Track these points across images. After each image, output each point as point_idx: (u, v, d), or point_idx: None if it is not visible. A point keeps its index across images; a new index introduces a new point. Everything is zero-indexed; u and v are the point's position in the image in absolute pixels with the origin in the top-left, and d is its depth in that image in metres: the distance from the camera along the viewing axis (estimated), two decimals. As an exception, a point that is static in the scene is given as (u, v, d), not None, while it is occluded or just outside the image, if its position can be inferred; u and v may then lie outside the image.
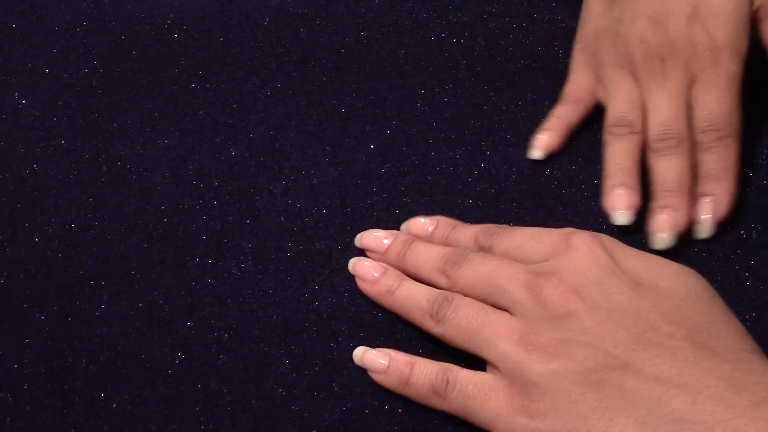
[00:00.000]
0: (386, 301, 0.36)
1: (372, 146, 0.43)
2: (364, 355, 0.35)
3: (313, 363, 0.35)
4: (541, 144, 0.42)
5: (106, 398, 0.35)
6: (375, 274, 0.37)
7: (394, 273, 0.36)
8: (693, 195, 0.38)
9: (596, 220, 0.40)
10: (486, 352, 0.32)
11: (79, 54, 0.49)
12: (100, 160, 0.43)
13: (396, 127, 0.44)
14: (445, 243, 0.38)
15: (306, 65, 0.48)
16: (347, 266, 0.38)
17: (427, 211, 0.40)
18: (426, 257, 0.36)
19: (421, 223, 0.39)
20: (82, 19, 0.51)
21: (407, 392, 0.33)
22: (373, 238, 0.38)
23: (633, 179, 0.39)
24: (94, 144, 0.44)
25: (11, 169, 0.43)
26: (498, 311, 0.33)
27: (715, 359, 0.28)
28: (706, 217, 0.38)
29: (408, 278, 0.36)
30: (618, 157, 0.40)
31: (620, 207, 0.38)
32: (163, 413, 0.34)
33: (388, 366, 0.34)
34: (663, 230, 0.37)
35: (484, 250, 0.36)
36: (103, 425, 0.34)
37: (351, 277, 0.38)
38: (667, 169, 0.38)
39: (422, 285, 0.36)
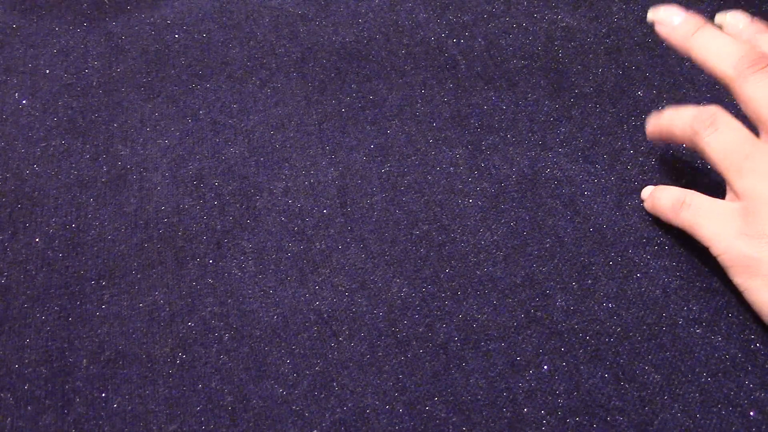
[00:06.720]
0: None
1: (372, 146, 0.43)
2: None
3: (313, 363, 0.35)
4: None
5: (106, 398, 0.35)
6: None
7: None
8: None
9: (596, 220, 0.40)
10: (737, 181, 0.33)
11: (80, 54, 0.49)
12: (100, 160, 0.43)
13: (396, 127, 0.44)
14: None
15: (306, 65, 0.48)
16: (348, 265, 0.38)
17: (427, 211, 0.40)
18: (718, 45, 0.34)
19: (735, 19, 0.36)
20: (83, 19, 0.51)
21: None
22: (667, 11, 0.36)
23: None
24: (94, 144, 0.44)
25: (11, 169, 0.43)
26: (766, 146, 0.33)
27: None
28: None
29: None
30: None
31: None
32: (164, 413, 0.34)
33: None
34: None
35: None
36: (104, 425, 0.34)
37: (351, 277, 0.38)
38: None
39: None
